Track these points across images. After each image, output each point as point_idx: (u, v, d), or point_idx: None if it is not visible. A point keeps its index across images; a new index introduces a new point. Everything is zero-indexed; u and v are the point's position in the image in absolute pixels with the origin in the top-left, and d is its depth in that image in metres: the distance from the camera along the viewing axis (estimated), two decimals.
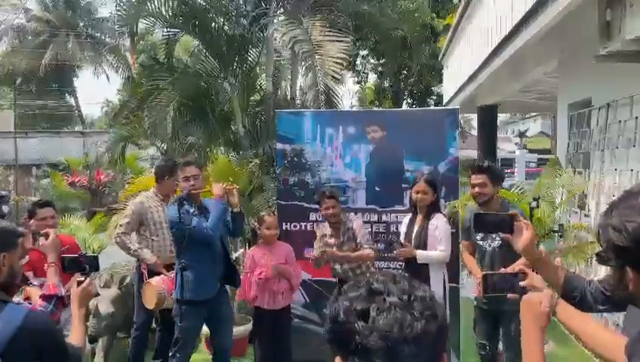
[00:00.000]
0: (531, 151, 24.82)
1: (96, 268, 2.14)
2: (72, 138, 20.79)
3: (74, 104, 29.50)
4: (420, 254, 3.66)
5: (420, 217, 3.81)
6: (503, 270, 2.05)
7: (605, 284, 1.66)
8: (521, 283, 1.66)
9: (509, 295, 1.68)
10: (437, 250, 3.68)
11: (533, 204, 3.30)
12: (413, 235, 3.78)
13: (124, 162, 8.91)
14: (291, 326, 4.08)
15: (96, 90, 76.27)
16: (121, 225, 4.15)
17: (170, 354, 3.58)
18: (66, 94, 28.97)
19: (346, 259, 3.89)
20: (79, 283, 1.97)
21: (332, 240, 3.93)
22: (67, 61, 24.93)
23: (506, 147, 27.09)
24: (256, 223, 3.97)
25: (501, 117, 28.27)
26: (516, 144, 28.08)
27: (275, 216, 3.99)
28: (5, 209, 4.46)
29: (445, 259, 3.73)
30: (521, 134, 27.58)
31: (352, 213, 4.22)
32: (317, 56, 5.35)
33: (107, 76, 26.08)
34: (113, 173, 13.87)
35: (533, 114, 26.70)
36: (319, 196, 4.00)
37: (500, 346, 3.81)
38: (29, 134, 19.64)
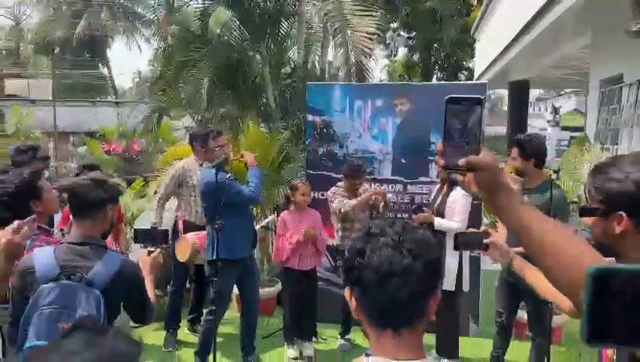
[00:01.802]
0: (564, 128, 24.21)
1: (165, 241, 2.35)
2: (106, 107, 21.34)
3: (107, 74, 30.09)
4: (437, 221, 3.83)
5: (444, 188, 3.97)
6: (471, 229, 2.22)
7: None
8: (485, 241, 1.83)
9: (477, 251, 1.89)
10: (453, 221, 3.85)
11: (553, 175, 3.37)
12: (435, 204, 3.96)
13: (158, 132, 9.22)
14: (317, 286, 4.32)
15: (127, 61, 77.28)
16: (161, 189, 4.52)
17: (206, 311, 3.85)
18: (100, 64, 29.55)
19: (358, 202, 4.11)
20: (149, 253, 2.23)
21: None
22: (100, 31, 25.34)
23: (538, 124, 26.41)
24: (289, 190, 4.22)
25: (534, 93, 27.45)
26: (548, 121, 27.34)
27: (309, 184, 4.25)
28: (46, 173, 4.77)
29: (459, 230, 3.87)
30: (555, 110, 26.76)
31: (377, 184, 4.42)
32: (349, 32, 5.42)
33: (139, 47, 26.49)
34: (146, 143, 14.26)
35: (568, 90, 25.94)
36: (352, 170, 4.20)
37: (519, 317, 3.95)
38: (66, 103, 20.26)
